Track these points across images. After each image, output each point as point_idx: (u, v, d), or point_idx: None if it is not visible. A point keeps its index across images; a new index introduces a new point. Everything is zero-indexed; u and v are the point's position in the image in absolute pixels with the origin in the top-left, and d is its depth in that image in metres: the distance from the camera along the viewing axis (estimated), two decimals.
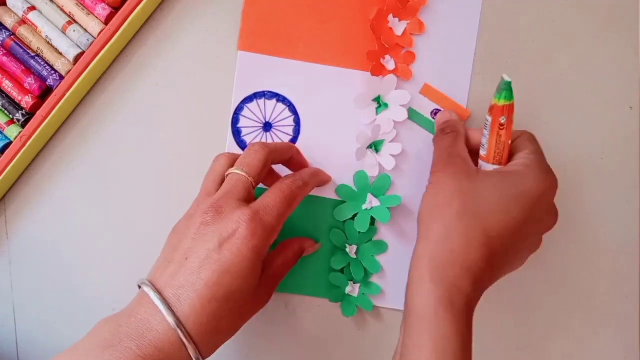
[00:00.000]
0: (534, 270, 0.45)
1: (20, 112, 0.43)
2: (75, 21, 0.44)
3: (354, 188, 0.45)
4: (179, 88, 0.45)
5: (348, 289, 0.45)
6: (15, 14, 0.44)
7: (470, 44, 0.45)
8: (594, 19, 0.46)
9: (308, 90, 0.45)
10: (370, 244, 0.45)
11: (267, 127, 0.46)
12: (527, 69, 0.46)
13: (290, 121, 0.46)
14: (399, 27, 0.44)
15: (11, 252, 0.45)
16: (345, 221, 0.45)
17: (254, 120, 0.45)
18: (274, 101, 0.45)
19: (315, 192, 0.45)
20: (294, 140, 0.45)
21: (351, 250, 0.45)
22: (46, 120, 0.43)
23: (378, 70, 0.44)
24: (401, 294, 0.45)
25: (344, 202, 0.45)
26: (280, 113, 0.46)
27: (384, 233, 0.45)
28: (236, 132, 0.45)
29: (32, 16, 0.44)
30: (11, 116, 0.43)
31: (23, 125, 0.43)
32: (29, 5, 0.44)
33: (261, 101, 0.45)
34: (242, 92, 0.45)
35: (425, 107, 0.45)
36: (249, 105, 0.45)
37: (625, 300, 0.46)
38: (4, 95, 0.44)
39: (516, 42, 0.46)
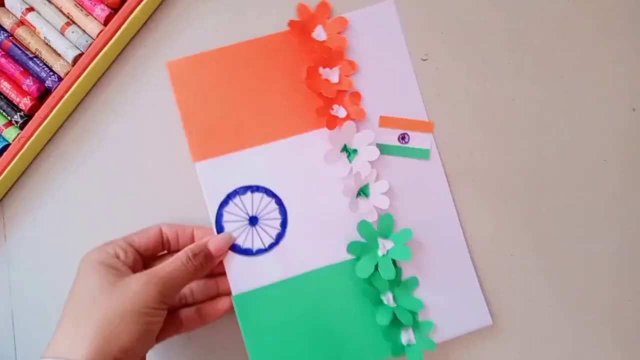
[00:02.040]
0: (535, 272, 0.45)
1: (18, 113, 0.42)
2: (74, 22, 0.43)
3: (363, 240, 0.44)
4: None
5: (404, 339, 0.43)
6: (14, 14, 0.43)
7: (404, 58, 0.46)
8: (597, 21, 0.47)
9: (277, 170, 0.44)
10: (403, 285, 0.44)
11: (254, 221, 0.44)
12: (530, 70, 0.46)
13: (273, 205, 0.44)
14: (333, 75, 0.45)
15: (9, 254, 0.44)
16: (369, 275, 0.43)
17: (238, 221, 0.44)
18: (248, 194, 0.44)
19: (327, 261, 0.43)
20: (285, 220, 0.44)
21: (388, 299, 0.43)
22: (45, 122, 0.42)
23: (333, 122, 0.44)
24: (453, 320, 0.44)
25: (359, 258, 0.44)
26: (260, 202, 0.44)
27: (408, 269, 0.44)
28: None
29: (31, 17, 0.42)
30: (9, 118, 0.42)
31: (21, 127, 0.42)
32: (28, 6, 0.43)
33: (237, 200, 0.44)
34: (215, 199, 0.44)
35: (391, 135, 0.45)
36: (226, 209, 0.44)
37: (627, 303, 0.45)
38: (2, 97, 0.42)
39: (519, 43, 0.46)
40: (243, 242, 0.43)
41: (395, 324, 0.43)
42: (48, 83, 0.43)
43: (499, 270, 0.45)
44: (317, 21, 0.45)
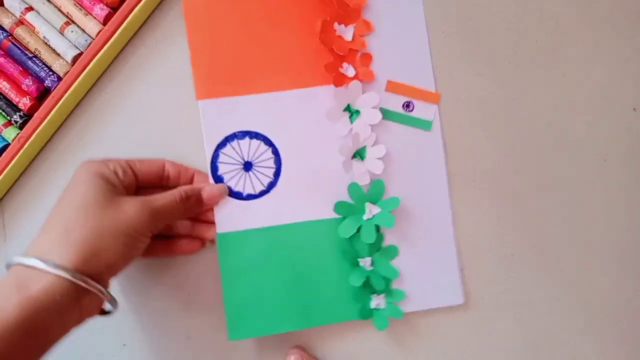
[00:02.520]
0: (536, 272, 0.45)
1: (17, 113, 0.43)
2: (73, 22, 0.43)
3: (351, 201, 0.44)
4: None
5: (374, 303, 0.44)
6: (13, 14, 0.43)
7: (420, 27, 0.45)
8: (598, 21, 0.45)
9: (278, 120, 0.44)
10: (382, 252, 0.44)
11: (248, 166, 0.45)
12: (530, 70, 0.45)
13: (269, 154, 0.45)
14: (347, 32, 0.44)
15: (9, 254, 0.45)
16: (351, 237, 0.44)
17: (232, 164, 0.45)
18: (246, 139, 0.45)
19: (313, 216, 0.44)
20: (278, 170, 0.45)
21: (365, 263, 0.44)
22: (44, 122, 0.42)
23: (340, 80, 0.44)
24: (425, 293, 0.44)
25: (345, 218, 0.44)
26: (257, 149, 0.45)
27: (390, 237, 0.45)
28: (219, 180, 0.44)
29: (30, 17, 0.43)
30: (9, 118, 0.43)
31: (21, 127, 0.43)
32: (27, 6, 0.43)
33: (234, 143, 0.45)
34: (213, 140, 0.44)
35: (396, 101, 0.45)
36: (223, 150, 0.44)
37: (627, 302, 0.45)
38: (2, 97, 0.43)
39: (519, 44, 0.45)
40: (235, 185, 0.44)
41: (368, 288, 0.44)
42: (47, 83, 0.43)
43: (498, 269, 0.45)
44: None
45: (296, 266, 0.44)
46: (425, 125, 0.45)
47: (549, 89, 0.45)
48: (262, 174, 0.45)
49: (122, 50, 0.45)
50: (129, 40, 0.45)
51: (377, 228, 0.44)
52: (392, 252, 0.44)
